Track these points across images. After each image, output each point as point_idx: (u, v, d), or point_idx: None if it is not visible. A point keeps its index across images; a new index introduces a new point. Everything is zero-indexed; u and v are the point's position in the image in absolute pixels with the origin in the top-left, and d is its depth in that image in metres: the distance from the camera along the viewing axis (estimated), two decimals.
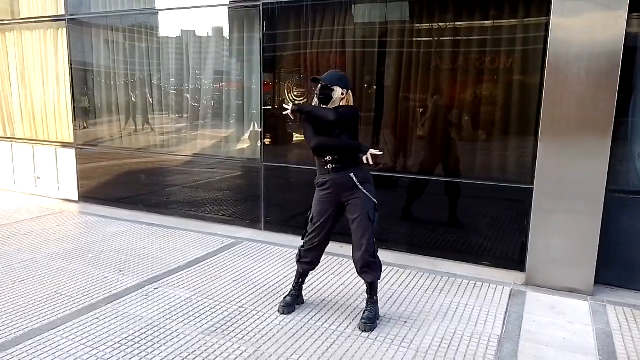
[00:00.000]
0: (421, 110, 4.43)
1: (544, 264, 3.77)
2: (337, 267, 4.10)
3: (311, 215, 3.16)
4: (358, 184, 2.98)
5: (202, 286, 3.68)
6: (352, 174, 2.98)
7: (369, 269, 3.03)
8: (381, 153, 3.07)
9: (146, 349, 2.76)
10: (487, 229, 4.24)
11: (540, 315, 3.31)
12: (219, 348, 2.79)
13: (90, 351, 2.72)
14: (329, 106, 3.04)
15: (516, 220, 4.13)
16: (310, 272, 3.39)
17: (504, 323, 3.19)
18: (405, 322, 3.17)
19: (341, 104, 3.06)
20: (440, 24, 4.24)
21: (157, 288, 3.63)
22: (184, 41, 5.58)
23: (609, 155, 3.48)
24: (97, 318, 3.13)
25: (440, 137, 4.43)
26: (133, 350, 2.74)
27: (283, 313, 3.25)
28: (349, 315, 3.25)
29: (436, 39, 4.28)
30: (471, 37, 4.14)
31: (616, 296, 3.62)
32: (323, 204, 3.10)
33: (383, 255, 4.27)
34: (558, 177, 3.64)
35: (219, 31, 5.33)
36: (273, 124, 5.11)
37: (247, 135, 5.37)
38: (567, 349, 2.87)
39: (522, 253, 3.99)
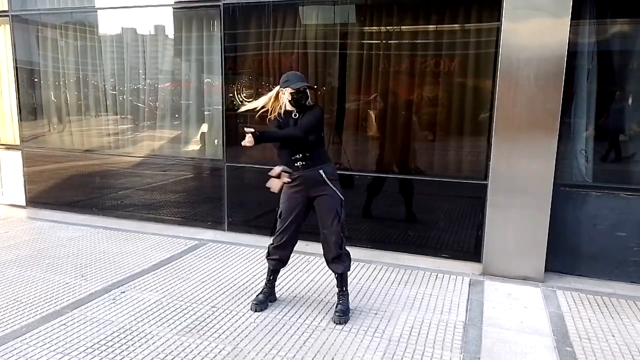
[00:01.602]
0: (378, 110, 4.59)
1: (499, 255, 4.02)
2: (305, 265, 4.17)
3: (280, 212, 3.21)
4: (327, 180, 3.08)
5: (170, 288, 3.64)
6: (321, 171, 3.07)
7: (339, 260, 3.14)
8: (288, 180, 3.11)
9: (121, 352, 2.72)
10: (444, 224, 4.45)
11: (499, 302, 3.54)
12: (196, 347, 2.79)
13: (62, 357, 2.64)
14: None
15: (471, 214, 4.38)
16: (281, 270, 3.45)
17: (466, 310, 3.38)
18: (376, 313, 3.30)
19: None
20: (398, 27, 4.42)
21: (123, 292, 3.56)
22: (141, 40, 5.46)
23: (555, 153, 3.77)
24: (64, 324, 3.03)
25: (400, 137, 4.61)
26: (108, 354, 2.69)
27: (256, 310, 3.28)
28: (322, 309, 3.33)
29: (393, 41, 4.45)
30: (428, 41, 4.35)
31: (564, 282, 3.93)
32: (292, 201, 3.16)
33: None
34: (510, 174, 3.89)
35: (179, 30, 5.24)
36: (235, 124, 5.11)
37: (208, 136, 5.33)
38: (526, 331, 3.10)
39: (478, 245, 4.24)
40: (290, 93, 3.04)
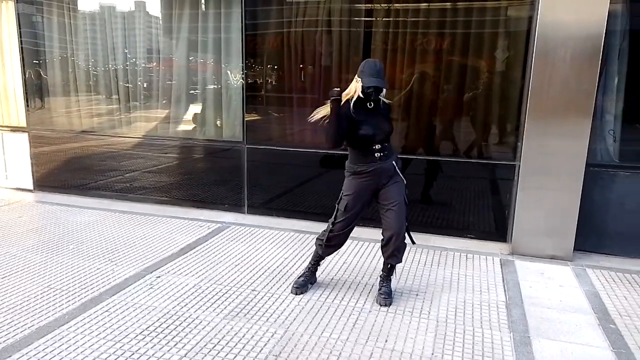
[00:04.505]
0: (411, 89, 4.51)
1: (528, 235, 4.05)
2: None
3: (344, 203, 3.10)
4: (397, 169, 3.07)
5: (205, 272, 3.59)
6: (394, 162, 3.06)
7: (398, 253, 3.10)
8: (338, 89, 2.94)
9: (172, 338, 2.68)
10: (469, 204, 4.46)
11: (534, 281, 3.57)
12: (247, 332, 2.76)
13: (115, 344, 2.59)
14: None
15: (497, 194, 4.38)
16: None
17: (505, 290, 3.41)
18: (417, 294, 3.30)
19: None
20: (430, 4, 4.33)
21: (159, 277, 3.50)
22: (154, 18, 5.28)
23: (589, 134, 3.77)
24: (106, 311, 2.97)
25: (426, 118, 4.56)
26: (160, 340, 2.64)
27: (297, 294, 3.26)
28: (362, 292, 3.32)
29: (421, 19, 4.37)
30: (457, 19, 4.27)
31: (592, 260, 3.98)
32: (360, 192, 3.07)
33: (373, 233, 4.38)
34: (543, 156, 3.89)
35: (195, 7, 5.06)
36: (255, 105, 5.00)
37: (227, 117, 5.21)
38: (567, 310, 3.14)
39: (503, 225, 4.26)
40: (362, 92, 2.92)
